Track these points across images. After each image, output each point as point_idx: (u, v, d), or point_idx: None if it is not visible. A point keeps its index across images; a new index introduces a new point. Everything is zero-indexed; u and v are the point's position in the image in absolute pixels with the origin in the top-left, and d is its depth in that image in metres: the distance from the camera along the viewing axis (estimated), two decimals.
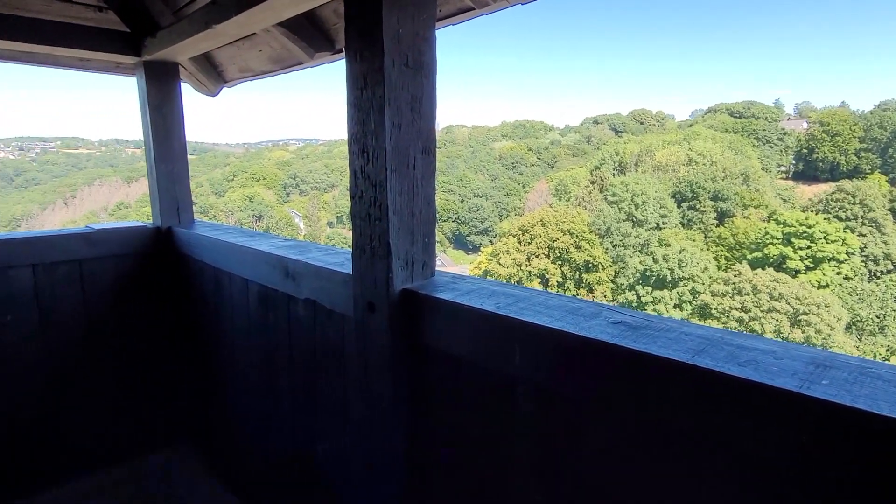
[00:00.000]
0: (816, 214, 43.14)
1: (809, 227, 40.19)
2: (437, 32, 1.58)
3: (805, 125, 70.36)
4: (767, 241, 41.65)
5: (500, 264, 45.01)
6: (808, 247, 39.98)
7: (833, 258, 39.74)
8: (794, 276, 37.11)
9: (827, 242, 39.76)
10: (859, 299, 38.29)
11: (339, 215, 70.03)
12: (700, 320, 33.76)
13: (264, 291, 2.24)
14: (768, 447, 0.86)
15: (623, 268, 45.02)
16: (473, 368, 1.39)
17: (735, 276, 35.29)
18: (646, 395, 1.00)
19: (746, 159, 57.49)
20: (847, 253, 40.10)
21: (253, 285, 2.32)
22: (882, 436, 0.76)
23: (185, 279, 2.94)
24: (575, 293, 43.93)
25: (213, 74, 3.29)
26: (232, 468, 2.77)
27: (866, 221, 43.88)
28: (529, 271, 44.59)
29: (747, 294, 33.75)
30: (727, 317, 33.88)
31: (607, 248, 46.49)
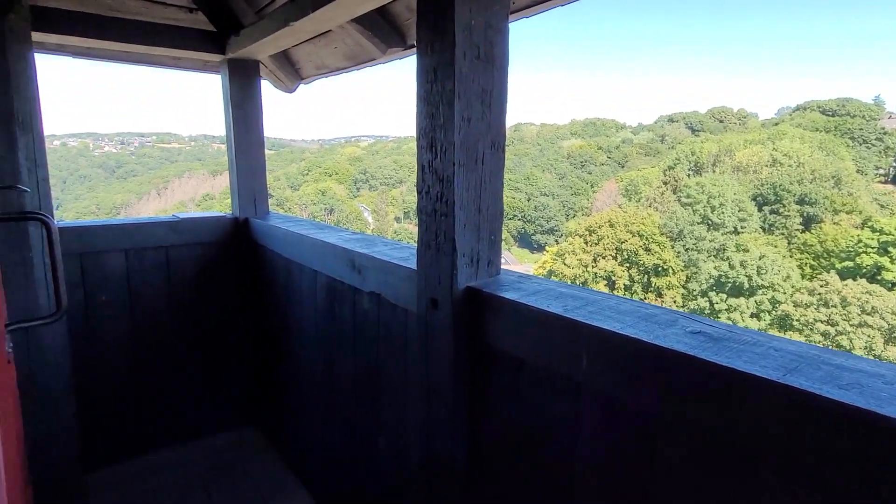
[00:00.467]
0: None
1: None
2: (511, 25, 1.54)
3: None
4: (860, 250, 37.96)
5: (565, 264, 44.04)
6: None
7: None
8: (890, 290, 33.65)
9: None
10: None
11: (405, 211, 71.25)
12: (780, 332, 31.45)
13: (331, 283, 2.29)
14: (871, 485, 0.76)
15: (695, 273, 42.70)
16: (536, 372, 1.34)
17: (821, 286, 32.47)
18: (728, 415, 0.91)
19: (839, 161, 52.57)
20: None
21: (321, 276, 2.38)
22: None
23: (259, 268, 3.07)
24: (643, 297, 42.22)
25: (291, 71, 3.41)
26: (296, 452, 2.88)
27: None
28: (595, 273, 43.31)
29: (835, 306, 30.97)
30: (810, 329, 31.30)
31: (679, 252, 44.26)
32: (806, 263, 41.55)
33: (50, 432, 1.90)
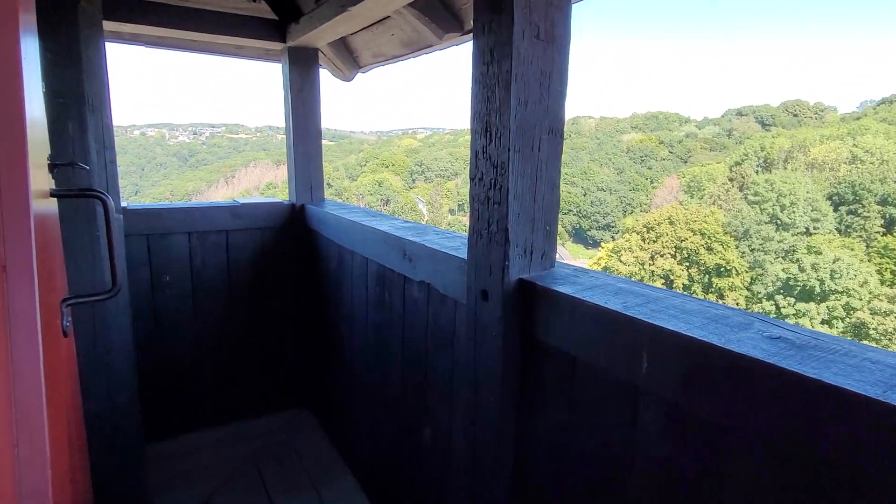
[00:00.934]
0: None
1: None
2: (574, 7, 1.46)
3: None
4: None
5: (620, 261, 42.70)
6: None
7: None
8: None
9: None
10: None
11: (460, 203, 71.30)
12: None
13: (382, 271, 2.28)
14: None
15: (761, 275, 40.26)
16: (590, 371, 1.26)
17: None
18: (815, 433, 0.80)
19: None
20: None
21: (372, 264, 2.38)
22: None
23: (313, 253, 3.12)
24: (703, 298, 40.27)
25: (349, 59, 3.43)
26: (344, 436, 2.91)
27: None
28: (652, 271, 41.72)
29: None
30: (889, 339, 28.89)
31: (744, 252, 41.85)
32: (886, 268, 38.30)
33: (113, 407, 2.00)
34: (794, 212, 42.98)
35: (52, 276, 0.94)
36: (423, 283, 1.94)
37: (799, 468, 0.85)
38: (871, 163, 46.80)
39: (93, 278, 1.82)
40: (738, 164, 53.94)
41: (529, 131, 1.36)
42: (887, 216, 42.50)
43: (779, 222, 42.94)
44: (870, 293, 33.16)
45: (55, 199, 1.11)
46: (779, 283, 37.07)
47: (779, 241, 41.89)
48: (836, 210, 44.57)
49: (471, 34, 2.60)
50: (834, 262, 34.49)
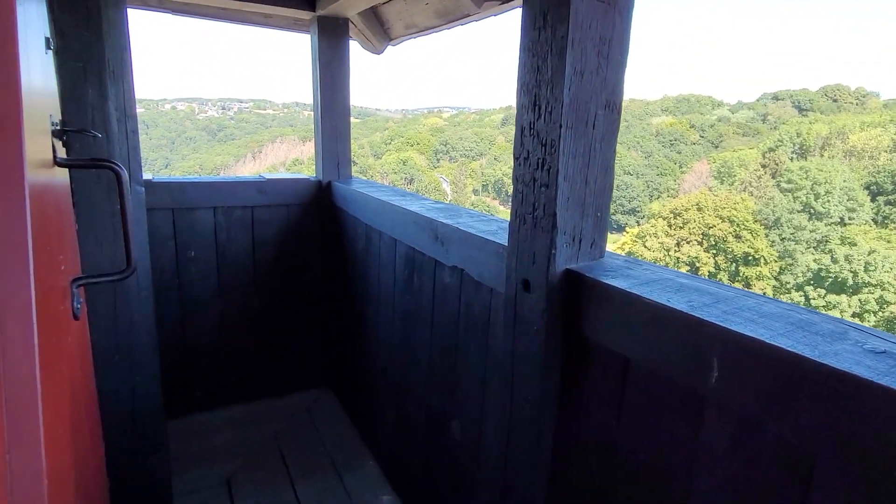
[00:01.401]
0: None
1: None
2: None
3: None
4: None
5: (645, 247, 41.86)
6: None
7: None
8: None
9: None
10: None
11: (484, 184, 70.67)
12: None
13: (411, 253, 2.17)
14: None
15: (791, 264, 39.03)
16: (646, 375, 1.13)
17: None
18: None
19: None
20: None
21: (401, 245, 2.27)
22: None
23: (340, 232, 3.03)
24: (778, 299, 39.34)
25: (380, 31, 3.28)
26: (368, 420, 2.85)
27: None
28: (678, 257, 40.82)
29: None
30: None
31: (773, 241, 40.57)
32: None
33: (134, 387, 1.95)
34: (828, 201, 41.48)
35: (59, 254, 0.86)
36: (456, 269, 1.83)
37: None
38: None
39: (114, 255, 1.76)
40: (771, 150, 52.09)
41: (584, 105, 1.22)
42: None
43: (812, 211, 41.52)
44: None
45: (65, 170, 1.03)
46: (809, 274, 36.00)
47: (811, 231, 40.57)
48: (873, 200, 42.86)
49: (510, 2, 2.44)
50: (869, 253, 33.28)
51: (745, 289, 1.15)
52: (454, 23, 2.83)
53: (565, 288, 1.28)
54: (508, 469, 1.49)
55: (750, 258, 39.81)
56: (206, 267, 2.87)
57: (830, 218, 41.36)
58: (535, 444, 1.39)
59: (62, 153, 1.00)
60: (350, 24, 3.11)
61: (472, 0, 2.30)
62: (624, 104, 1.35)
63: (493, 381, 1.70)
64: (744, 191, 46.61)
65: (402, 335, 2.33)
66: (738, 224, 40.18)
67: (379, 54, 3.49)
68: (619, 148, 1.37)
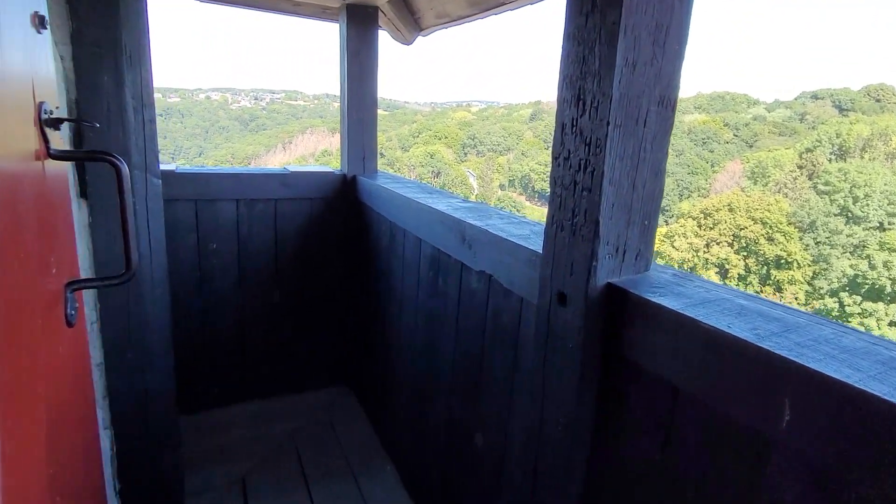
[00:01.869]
0: None
1: None
2: None
3: None
4: None
5: (673, 247, 40.88)
6: None
7: None
8: None
9: None
10: None
11: (511, 179, 70.10)
12: None
13: (436, 254, 2.06)
14: None
15: (825, 269, 37.64)
16: (698, 408, 1.00)
17: None
18: None
19: None
20: None
21: (426, 246, 2.16)
22: None
23: (363, 229, 2.94)
24: (759, 290, 38.33)
25: (410, 21, 3.17)
26: (386, 423, 2.77)
27: None
28: (707, 259, 39.78)
29: None
30: None
31: (807, 245, 39.20)
32: None
33: (145, 386, 1.89)
34: (867, 204, 39.90)
35: (49, 255, 0.78)
36: (484, 274, 1.71)
37: None
38: None
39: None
40: (809, 150, 50.28)
41: (635, 100, 1.08)
42: None
43: (850, 215, 40.00)
44: None
45: (64, 163, 0.95)
46: (844, 280, 34.71)
47: (848, 236, 39.13)
48: None
49: None
50: None
51: (818, 315, 1.01)
52: (488, 12, 2.70)
53: (606, 303, 1.16)
54: (537, 492, 1.38)
55: (782, 261, 38.63)
56: (228, 260, 2.82)
57: (869, 222, 39.81)
58: (566, 468, 1.27)
59: (60, 144, 0.92)
60: (380, 12, 3.01)
61: None
62: None
63: (522, 396, 1.58)
64: (778, 192, 45.28)
65: (425, 338, 2.23)
66: (770, 226, 39.05)
67: (409, 45, 3.37)
68: None
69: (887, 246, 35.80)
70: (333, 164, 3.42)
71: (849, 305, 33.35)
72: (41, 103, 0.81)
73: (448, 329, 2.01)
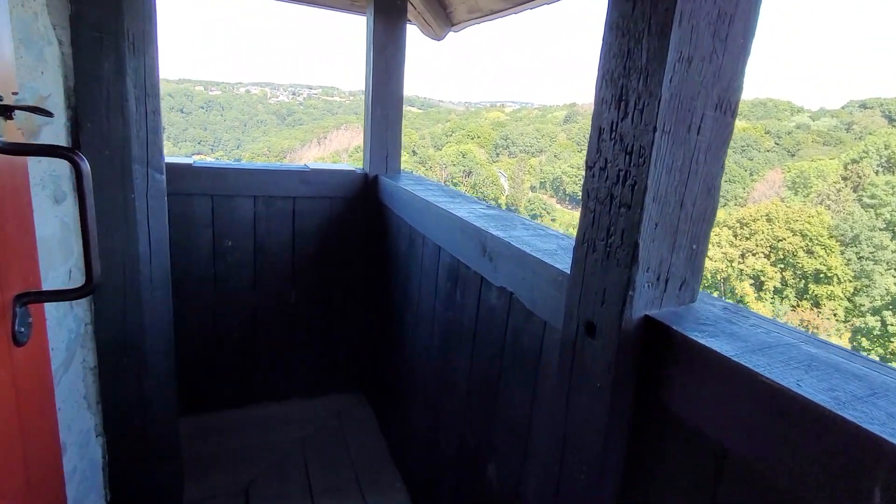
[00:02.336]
0: None
1: None
2: None
3: None
4: None
5: (707, 257, 39.62)
6: None
7: None
8: None
9: None
10: None
11: (542, 181, 69.37)
12: None
13: (455, 264, 1.92)
14: None
15: (868, 286, 35.93)
16: (752, 476, 0.83)
17: None
18: None
19: None
20: None
21: (445, 254, 2.02)
22: None
23: (383, 231, 2.82)
24: (796, 304, 36.82)
25: (441, 15, 3.03)
26: (397, 436, 2.64)
27: None
28: (741, 270, 38.41)
29: None
30: None
31: (849, 260, 37.50)
32: None
33: (140, 392, 1.80)
34: None
35: None
36: (505, 291, 1.56)
37: None
38: None
39: (126, 247, 1.61)
40: (855, 161, 48.16)
41: (688, 103, 0.91)
42: None
43: None
44: None
45: (21, 158, 0.85)
46: (888, 298, 33.04)
47: (894, 252, 37.22)
48: None
49: None
50: None
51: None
52: (524, 5, 2.54)
53: (642, 339, 0.99)
54: None
55: (821, 275, 37.13)
56: (243, 258, 2.73)
57: None
58: None
59: (16, 135, 0.82)
60: (409, 6, 2.88)
61: None
62: None
63: (541, 428, 1.43)
64: (820, 203, 43.64)
65: (441, 352, 2.09)
66: (810, 238, 37.61)
67: (439, 41, 3.24)
68: None
69: None
70: None
71: (892, 325, 31.79)
72: None
73: (465, 344, 1.86)
